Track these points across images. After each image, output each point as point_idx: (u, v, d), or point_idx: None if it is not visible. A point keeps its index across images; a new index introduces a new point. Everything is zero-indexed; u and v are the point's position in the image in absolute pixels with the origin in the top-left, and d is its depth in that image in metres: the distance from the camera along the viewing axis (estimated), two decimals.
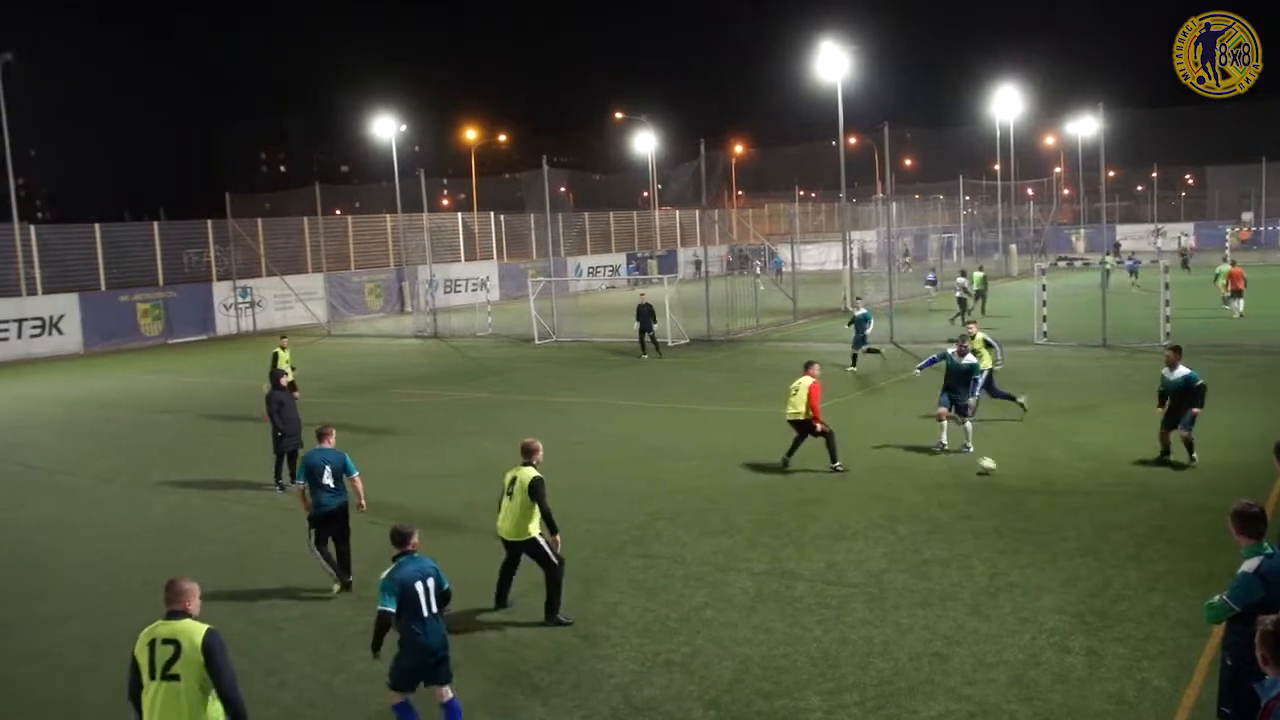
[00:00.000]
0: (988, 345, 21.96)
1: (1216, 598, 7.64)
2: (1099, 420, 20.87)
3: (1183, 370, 16.66)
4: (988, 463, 16.73)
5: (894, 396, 24.48)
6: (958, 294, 39.11)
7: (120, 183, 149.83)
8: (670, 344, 34.81)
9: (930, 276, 48.42)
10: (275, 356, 24.27)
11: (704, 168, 42.58)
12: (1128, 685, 9.43)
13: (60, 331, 42.11)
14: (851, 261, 48.63)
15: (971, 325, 23.00)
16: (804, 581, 12.34)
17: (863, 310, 29.27)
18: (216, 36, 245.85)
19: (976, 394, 18.94)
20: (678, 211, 79.27)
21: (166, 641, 6.91)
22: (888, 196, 47.15)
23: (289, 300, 50.76)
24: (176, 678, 6.84)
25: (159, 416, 25.90)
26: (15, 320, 41.04)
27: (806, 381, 17.52)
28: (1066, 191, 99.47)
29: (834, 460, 17.35)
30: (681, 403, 24.71)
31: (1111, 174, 79.54)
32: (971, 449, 18.11)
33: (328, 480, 12.75)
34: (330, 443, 13.18)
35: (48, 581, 13.85)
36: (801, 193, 71.08)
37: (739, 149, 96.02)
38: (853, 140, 60.49)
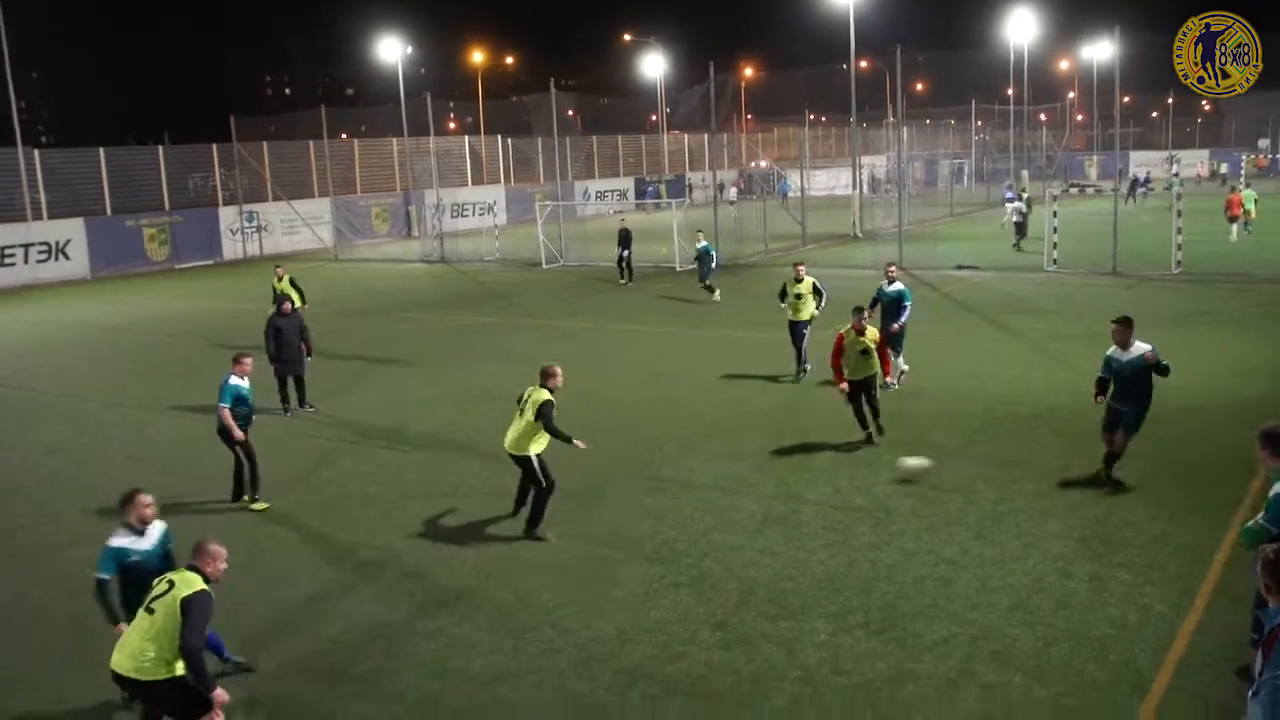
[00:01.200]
0: (816, 291, 19.25)
1: (1253, 521, 7.71)
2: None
3: (1140, 348, 12.53)
4: (913, 462, 13.25)
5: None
6: (1015, 218, 38.35)
7: (124, 106, 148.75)
8: (678, 269, 34.71)
9: (1009, 194, 45.06)
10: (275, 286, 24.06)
11: (713, 91, 42.10)
12: (1130, 610, 9.50)
13: (67, 256, 42.00)
14: (861, 186, 48.31)
15: (799, 266, 19.81)
16: (810, 506, 12.40)
17: (703, 244, 29.13)
18: None
19: (901, 320, 18.08)
20: (686, 136, 78.59)
21: (169, 581, 7.46)
22: (898, 121, 46.69)
23: (295, 225, 50.57)
24: (153, 611, 7.32)
25: (166, 341, 25.94)
26: (22, 245, 40.93)
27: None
28: (1080, 117, 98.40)
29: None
30: (689, 328, 24.70)
31: (1126, 99, 78.63)
32: (895, 385, 17.65)
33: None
34: (236, 371, 13.53)
35: (59, 504, 13.97)
36: (811, 117, 70.22)
37: (749, 72, 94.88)
38: (864, 64, 59.66)
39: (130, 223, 44.51)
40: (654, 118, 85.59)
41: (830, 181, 64.96)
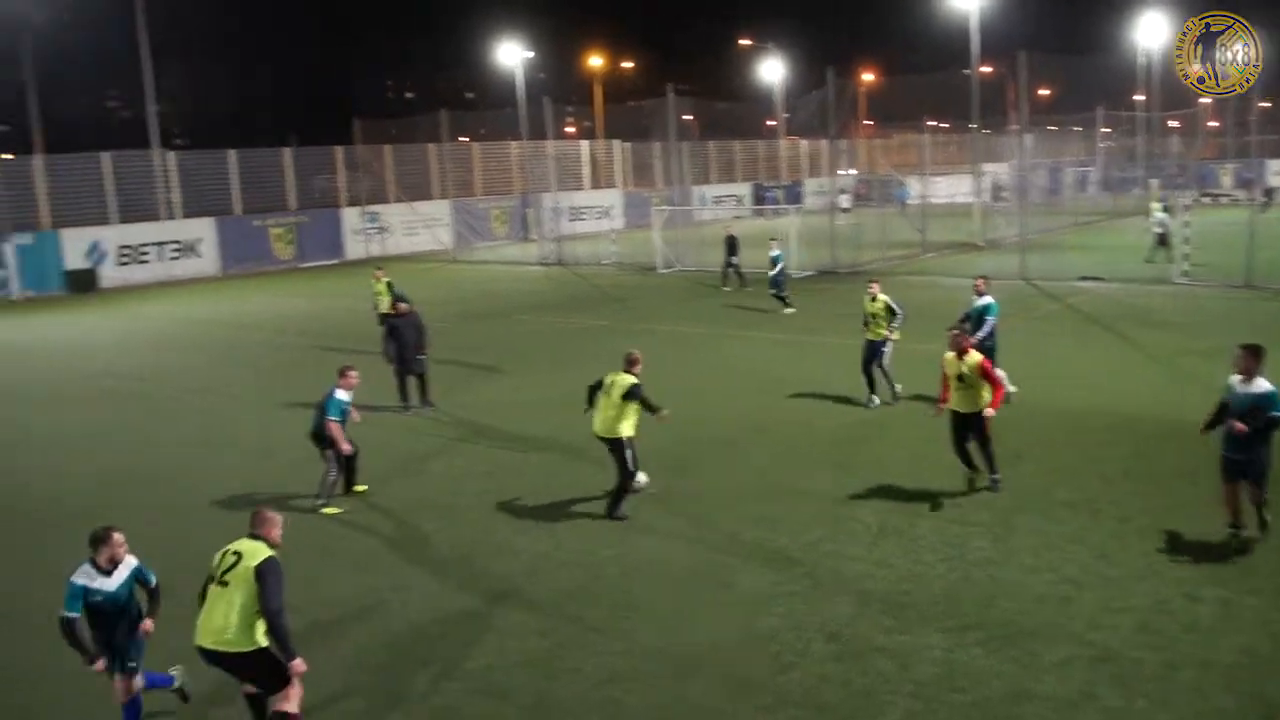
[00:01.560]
0: (890, 312, 18.30)
1: None
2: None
3: (1263, 385, 10.88)
4: (642, 478, 12.91)
5: (1027, 334, 23.93)
6: (1158, 229, 36.98)
7: (253, 110, 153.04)
8: (794, 275, 34.52)
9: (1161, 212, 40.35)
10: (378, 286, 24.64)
11: (832, 96, 41.79)
12: (1260, 638, 9.20)
13: (198, 254, 43.45)
14: (983, 195, 47.49)
15: (873, 285, 18.92)
16: (927, 519, 12.25)
17: (776, 252, 28.53)
18: None
19: (979, 335, 17.01)
20: (804, 141, 78.11)
21: (234, 553, 7.78)
22: (1021, 128, 45.74)
23: (416, 226, 51.51)
24: (226, 584, 7.64)
25: (292, 339, 26.64)
26: (156, 243, 42.46)
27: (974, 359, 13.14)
28: (1213, 124, 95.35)
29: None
30: (805, 335, 24.55)
31: (1263, 105, 75.94)
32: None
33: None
34: (343, 385, 13.93)
35: (191, 495, 14.43)
36: (932, 123, 69.20)
37: (868, 77, 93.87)
38: (987, 69, 58.63)
39: (258, 222, 45.88)
40: (771, 123, 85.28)
41: (951, 189, 63.97)
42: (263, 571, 7.62)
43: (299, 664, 7.75)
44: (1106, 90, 67.03)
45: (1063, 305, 27.61)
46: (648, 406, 12.58)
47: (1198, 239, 31.25)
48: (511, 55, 56.07)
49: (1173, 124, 76.77)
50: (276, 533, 8.04)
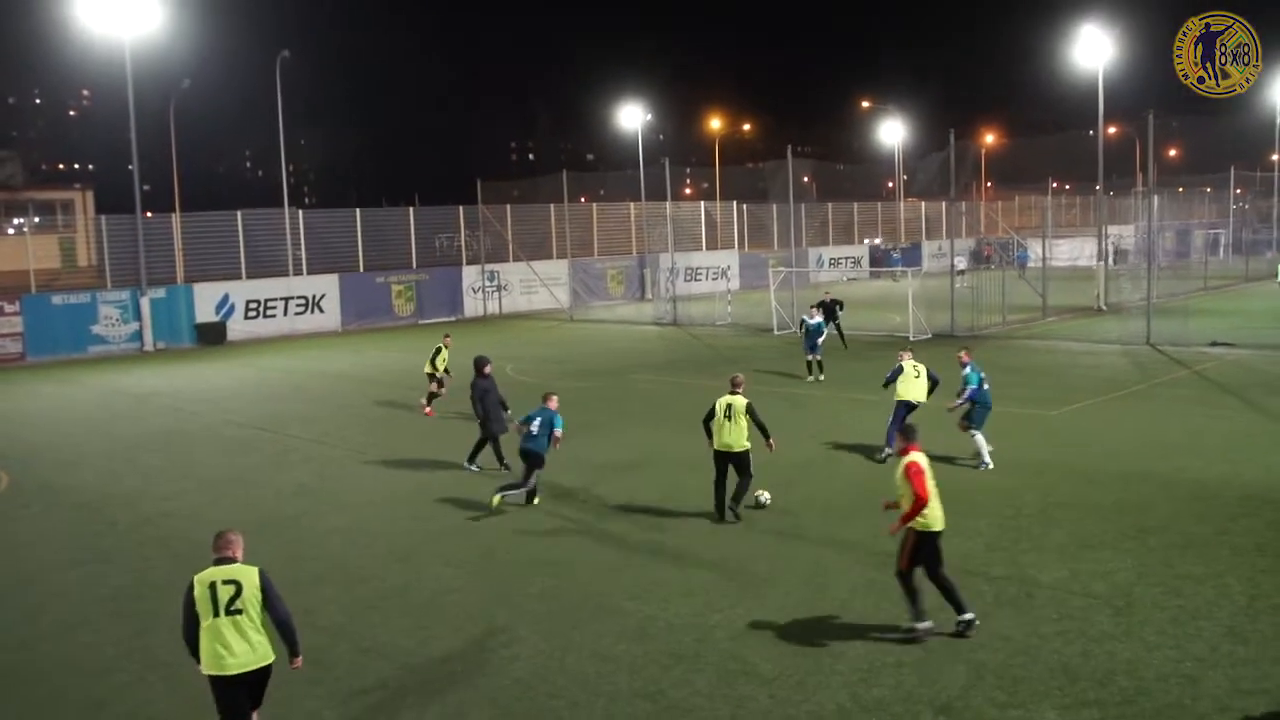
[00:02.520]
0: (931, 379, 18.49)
1: None
2: None
3: None
4: (765, 496, 15.30)
5: (1152, 401, 23.28)
6: None
7: (379, 169, 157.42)
8: (912, 339, 34.11)
9: None
10: (438, 351, 24.80)
11: (953, 158, 41.42)
12: None
13: (321, 310, 44.66)
14: (1107, 258, 46.48)
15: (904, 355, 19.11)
16: (1045, 590, 11.88)
17: (816, 319, 27.93)
18: (469, 30, 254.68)
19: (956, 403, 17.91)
20: (923, 203, 77.50)
21: (227, 582, 8.09)
22: (1149, 189, 44.74)
23: (534, 285, 52.23)
24: (240, 611, 8.06)
25: (409, 394, 27.07)
26: (283, 298, 43.79)
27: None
28: None
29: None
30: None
31: None
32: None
33: (533, 429, 15.80)
34: (552, 405, 16.13)
35: (304, 544, 14.71)
36: (1055, 184, 68.26)
37: (990, 139, 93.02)
38: (1112, 129, 57.70)
39: (380, 279, 47.02)
40: (891, 184, 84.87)
41: (1073, 252, 62.74)
42: (266, 586, 8.21)
43: (300, 660, 8.48)
44: (1238, 150, 65.41)
45: (1191, 372, 26.77)
46: (761, 427, 14.89)
47: None
48: (632, 118, 56.88)
49: None
50: (241, 551, 8.41)
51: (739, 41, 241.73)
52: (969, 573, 12.46)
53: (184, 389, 30.01)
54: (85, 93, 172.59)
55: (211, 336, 40.94)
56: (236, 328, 42.09)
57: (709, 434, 15.21)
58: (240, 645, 8.04)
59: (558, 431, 15.94)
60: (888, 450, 17.94)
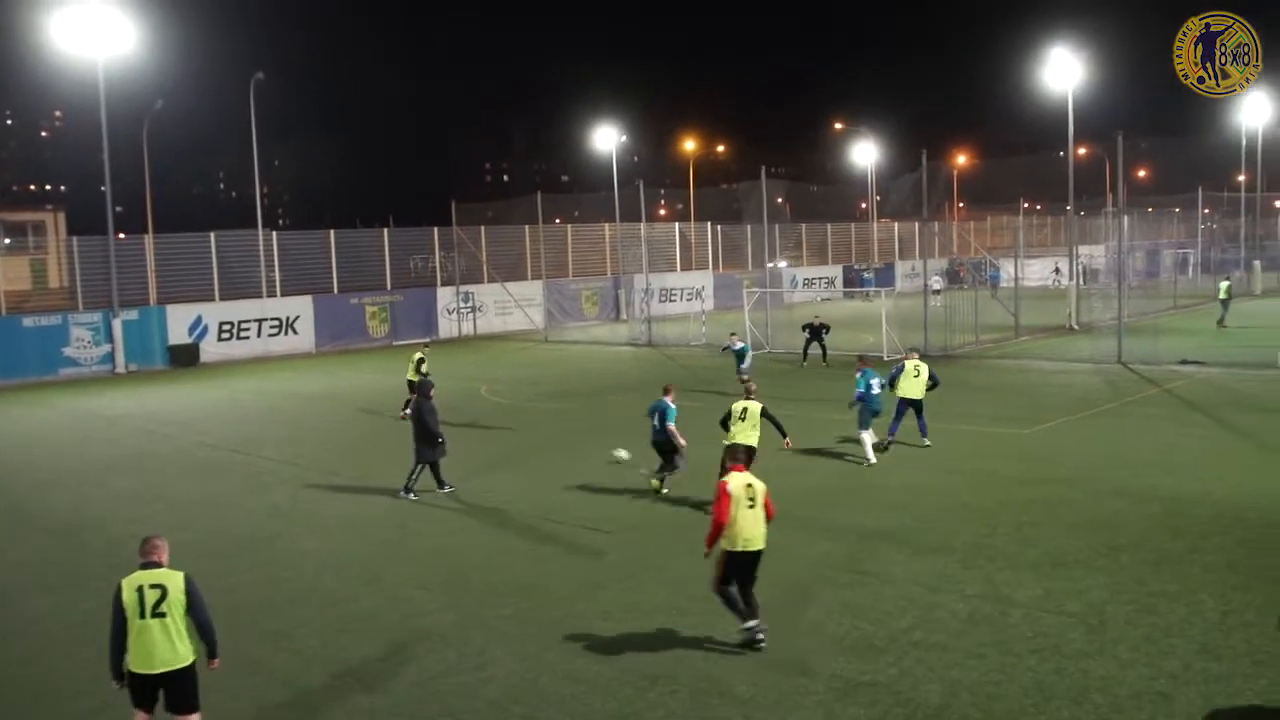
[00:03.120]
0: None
1: None
2: None
3: None
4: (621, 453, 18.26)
5: (1124, 419, 23.43)
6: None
7: (353, 190, 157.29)
8: (886, 359, 34.23)
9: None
10: (421, 360, 26.25)
11: (925, 179, 41.67)
12: None
13: (295, 331, 44.50)
14: (1078, 278, 46.83)
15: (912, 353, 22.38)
16: (1019, 608, 11.91)
17: (740, 345, 30.60)
18: (443, 53, 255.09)
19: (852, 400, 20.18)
20: (896, 224, 77.94)
21: (154, 586, 8.56)
22: (1119, 210, 45.11)
23: (509, 306, 52.22)
24: (164, 614, 8.51)
25: (381, 418, 26.97)
26: (256, 320, 43.61)
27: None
28: None
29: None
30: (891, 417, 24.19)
31: None
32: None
33: (655, 421, 17.86)
34: (669, 397, 18.06)
35: (278, 567, 14.62)
36: (1026, 205, 68.80)
37: (962, 160, 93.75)
38: (1082, 151, 58.25)
39: (354, 301, 46.93)
40: (864, 205, 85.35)
41: (1045, 271, 63.26)
42: (191, 591, 8.64)
43: (218, 662, 8.92)
44: (1206, 171, 66.13)
45: (1162, 390, 26.97)
46: (778, 425, 16.87)
47: None
48: (607, 139, 57.03)
49: (1277, 204, 75.36)
50: (165, 556, 8.90)
51: (713, 63, 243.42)
52: (943, 591, 12.49)
53: (156, 411, 29.80)
54: (57, 113, 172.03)
55: (184, 358, 40.71)
56: (210, 349, 41.89)
57: (726, 431, 16.88)
58: (164, 646, 8.49)
59: (669, 424, 17.65)
60: (889, 438, 20.56)
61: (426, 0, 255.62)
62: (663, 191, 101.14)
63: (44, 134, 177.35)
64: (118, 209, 42.57)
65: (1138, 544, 14.06)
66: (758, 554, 11.31)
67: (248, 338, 43.28)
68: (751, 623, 11.10)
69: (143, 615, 8.49)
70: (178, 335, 41.12)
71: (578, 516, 16.52)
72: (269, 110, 55.80)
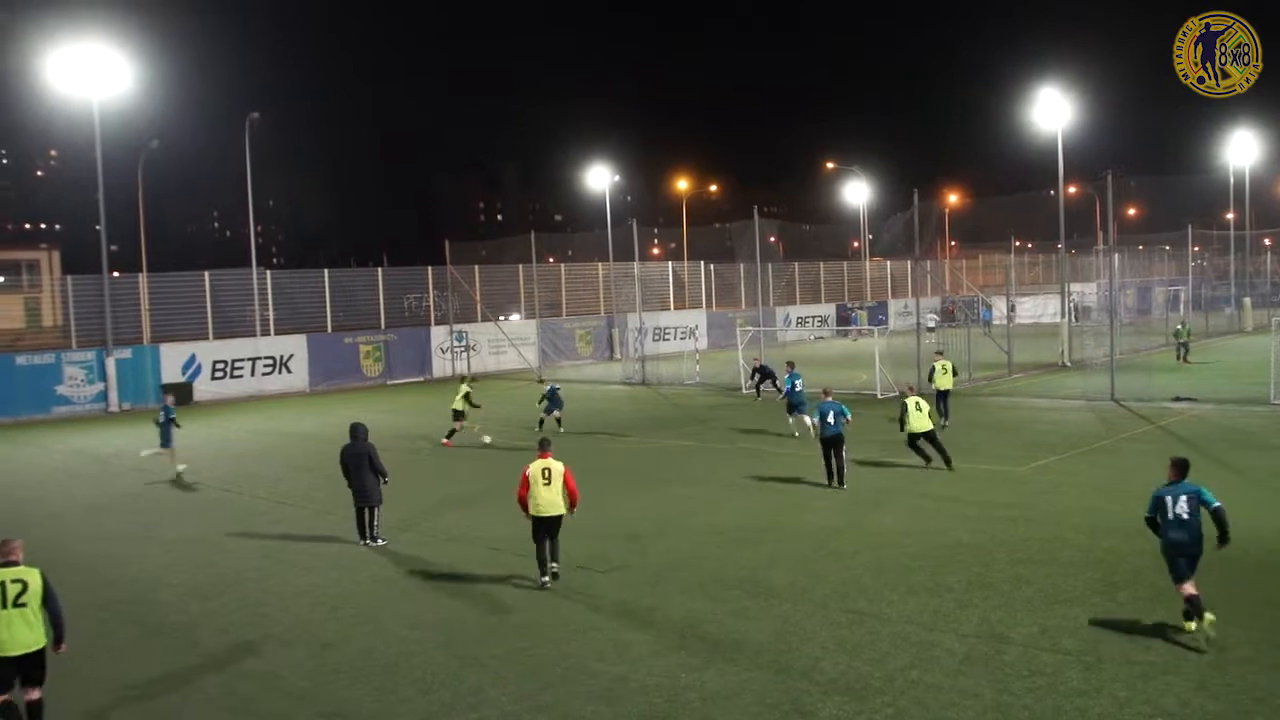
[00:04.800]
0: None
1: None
2: None
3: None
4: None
5: (1118, 456, 23.43)
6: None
7: (347, 230, 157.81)
8: (880, 396, 34.29)
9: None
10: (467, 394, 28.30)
11: (917, 218, 41.88)
12: None
13: (289, 370, 44.48)
14: (1070, 315, 46.98)
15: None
16: (1015, 646, 11.86)
17: (551, 386, 31.55)
18: (438, 91, 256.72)
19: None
20: (889, 262, 78.25)
21: (15, 581, 9.98)
22: (1109, 248, 45.36)
23: (502, 345, 52.23)
24: (24, 605, 9.95)
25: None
26: (250, 359, 43.61)
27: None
28: None
29: None
30: (887, 454, 24.22)
31: None
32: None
33: (830, 419, 20.78)
34: (829, 398, 20.86)
35: (269, 606, 14.52)
36: (1018, 243, 69.16)
37: (953, 199, 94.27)
38: (1072, 189, 58.60)
39: (348, 340, 46.95)
40: (856, 244, 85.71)
41: (1036, 309, 63.50)
42: (47, 585, 10.11)
43: (64, 646, 10.26)
44: (1196, 209, 66.60)
45: (1155, 427, 26.99)
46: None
47: None
48: (600, 179, 57.30)
49: (1266, 242, 75.82)
50: (20, 555, 10.20)
51: (706, 103, 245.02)
52: (939, 629, 12.44)
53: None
54: (52, 153, 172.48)
55: (178, 397, 40.60)
56: (203, 388, 41.84)
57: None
58: (22, 632, 9.90)
59: (847, 416, 20.98)
60: (944, 423, 26.84)
61: (422, 41, 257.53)
62: (656, 231, 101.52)
63: (39, 173, 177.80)
64: (112, 248, 42.61)
65: (1133, 581, 14.03)
66: (553, 518, 14.82)
67: (241, 376, 43.26)
68: (545, 579, 14.77)
69: (5, 606, 9.87)
70: (171, 374, 41.09)
71: (570, 556, 16.42)
72: (264, 150, 56.08)
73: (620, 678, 11.42)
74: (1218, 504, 12.17)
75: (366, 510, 17.72)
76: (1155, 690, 10.51)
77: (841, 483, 20.62)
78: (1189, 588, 11.90)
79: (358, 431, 18.00)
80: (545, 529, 14.80)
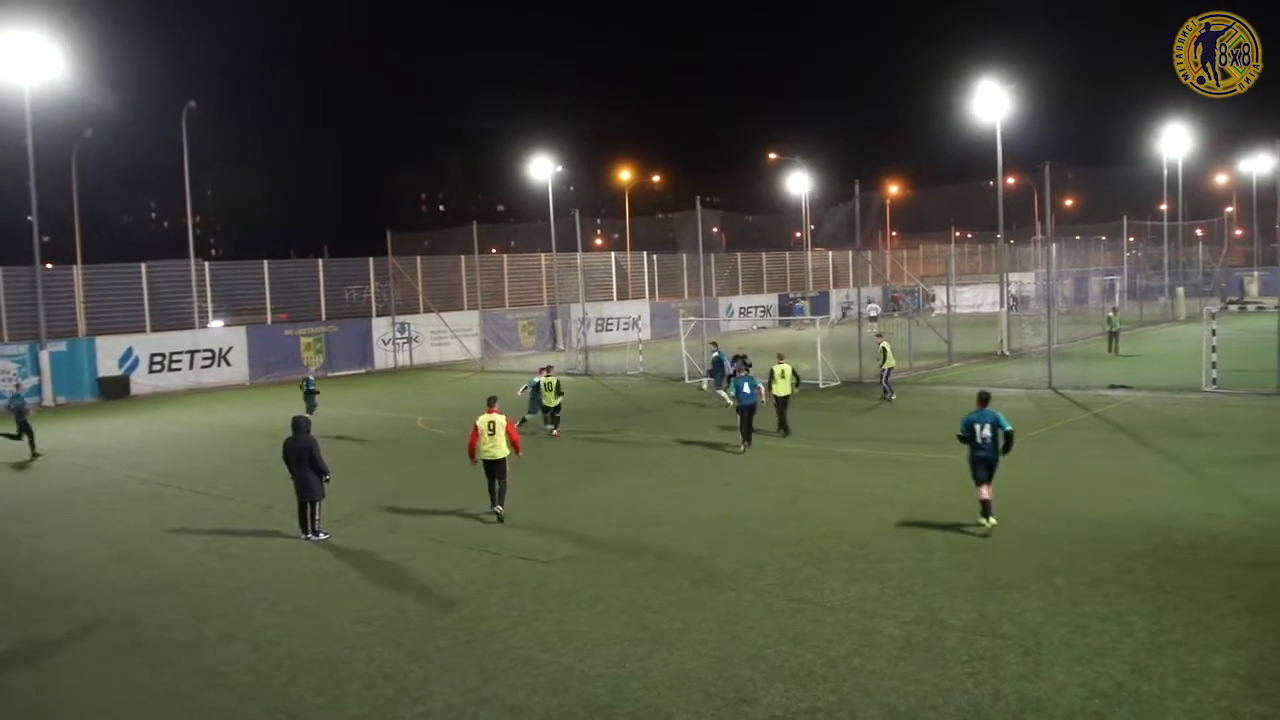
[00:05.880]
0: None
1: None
2: (1272, 472, 19.90)
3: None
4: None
5: (1055, 443, 23.79)
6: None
7: (288, 221, 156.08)
8: (821, 386, 34.55)
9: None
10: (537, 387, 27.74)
11: (858, 208, 42.15)
12: None
13: (228, 363, 43.99)
14: (1007, 304, 47.56)
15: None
16: (955, 632, 12.02)
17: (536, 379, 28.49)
18: (380, 82, 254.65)
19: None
20: (831, 252, 78.75)
21: None
22: (1047, 238, 45.96)
23: (445, 336, 51.98)
24: None
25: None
26: (189, 351, 43.06)
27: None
28: (1239, 232, 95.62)
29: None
30: (829, 445, 24.43)
31: None
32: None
33: (746, 390, 23.75)
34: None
35: (211, 602, 14.38)
36: (958, 233, 69.89)
37: (894, 189, 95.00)
38: (1011, 180, 59.27)
39: (289, 332, 46.45)
40: (798, 234, 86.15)
41: (976, 298, 64.24)
42: None
43: None
44: (1131, 200, 67.63)
45: (1091, 415, 27.44)
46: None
47: (1225, 348, 31.05)
48: (543, 170, 57.13)
49: (1199, 233, 77.23)
50: None
51: (648, 94, 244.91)
52: (880, 617, 12.58)
53: (85, 445, 29.28)
54: None
55: (115, 390, 40.07)
56: (141, 381, 41.28)
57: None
58: None
59: (760, 387, 24.17)
60: (891, 396, 30.81)
61: (361, 30, 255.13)
62: (599, 221, 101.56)
63: None
64: (45, 239, 41.87)
65: (1070, 566, 14.26)
66: (498, 460, 18.15)
67: (180, 369, 42.71)
68: (497, 508, 18.17)
69: None
70: (108, 367, 40.50)
71: (514, 547, 16.44)
72: (202, 140, 55.28)
73: (565, 668, 11.44)
74: (1010, 428, 16.29)
75: (308, 504, 17.58)
76: (1092, 673, 10.71)
77: (748, 440, 24.03)
78: (985, 492, 16.22)
79: (300, 425, 17.84)
80: (492, 470, 18.23)
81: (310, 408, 29.25)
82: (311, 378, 31.59)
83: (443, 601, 13.97)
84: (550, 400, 27.42)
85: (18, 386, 26.64)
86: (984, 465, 16.29)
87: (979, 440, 16.23)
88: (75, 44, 44.60)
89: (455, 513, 18.88)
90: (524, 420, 27.12)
